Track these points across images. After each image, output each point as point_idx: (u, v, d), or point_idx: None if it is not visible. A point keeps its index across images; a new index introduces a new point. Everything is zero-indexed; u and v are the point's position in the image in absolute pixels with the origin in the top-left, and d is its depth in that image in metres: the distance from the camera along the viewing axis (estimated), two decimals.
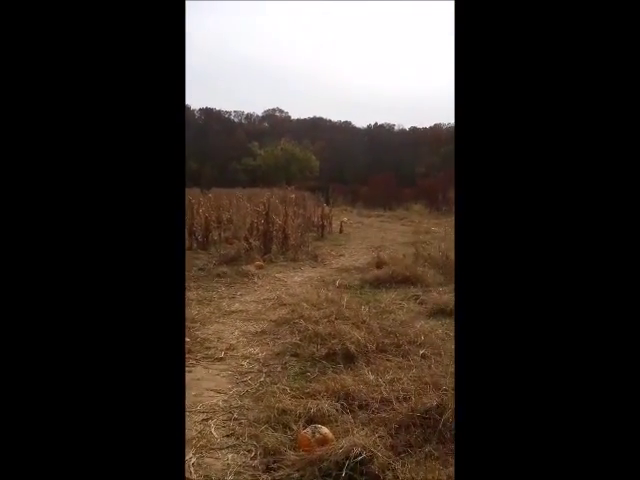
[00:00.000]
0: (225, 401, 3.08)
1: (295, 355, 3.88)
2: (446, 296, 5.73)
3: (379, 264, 7.74)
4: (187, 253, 7.97)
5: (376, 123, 59.65)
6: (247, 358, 3.86)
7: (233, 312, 5.27)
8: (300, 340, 4.13)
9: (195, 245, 9.53)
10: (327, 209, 13.57)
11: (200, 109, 57.02)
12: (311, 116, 61.84)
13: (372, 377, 3.22)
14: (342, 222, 14.68)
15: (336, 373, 3.41)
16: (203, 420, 2.83)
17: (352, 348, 3.66)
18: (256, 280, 7.03)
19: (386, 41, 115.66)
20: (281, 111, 62.24)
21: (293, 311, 5.15)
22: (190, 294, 5.76)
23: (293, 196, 13.74)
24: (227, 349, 4.05)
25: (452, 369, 3.33)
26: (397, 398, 2.88)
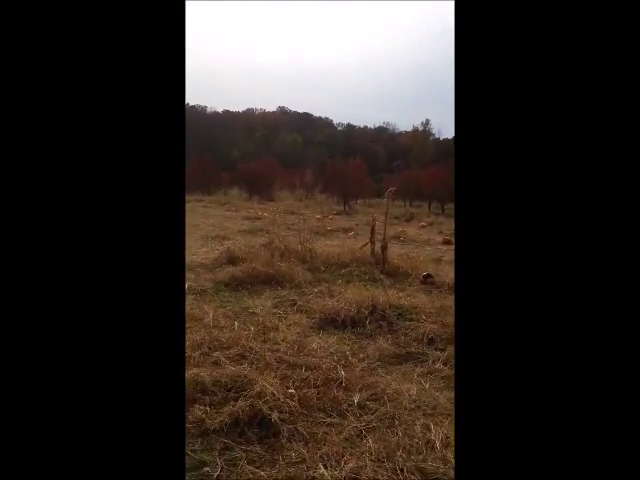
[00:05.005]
0: None
1: None
2: (327, 301, 4.64)
3: (232, 259, 6.32)
4: None
5: (188, 104, 56.11)
6: None
7: None
8: None
9: None
10: None
11: None
12: None
13: (325, 471, 1.90)
14: None
15: (254, 464, 2.00)
16: None
17: (272, 415, 2.23)
18: None
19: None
20: None
21: None
22: None
23: None
24: None
25: (423, 419, 2.28)
26: None
